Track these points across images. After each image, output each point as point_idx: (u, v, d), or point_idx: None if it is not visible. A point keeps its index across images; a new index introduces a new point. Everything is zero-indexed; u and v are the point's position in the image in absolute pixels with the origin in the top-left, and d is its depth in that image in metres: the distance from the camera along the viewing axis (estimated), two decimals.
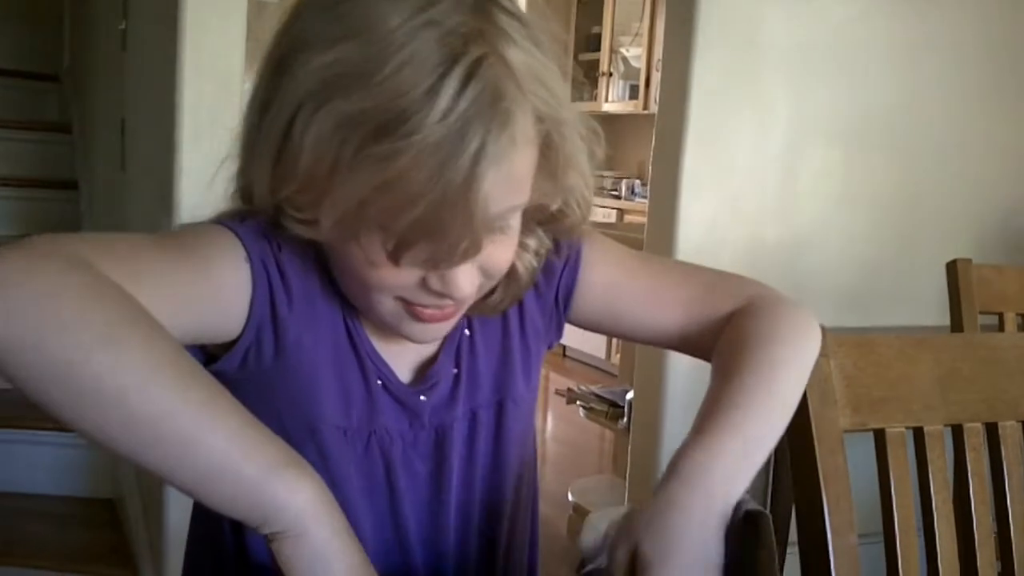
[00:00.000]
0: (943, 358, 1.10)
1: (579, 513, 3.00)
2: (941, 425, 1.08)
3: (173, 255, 0.67)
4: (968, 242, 2.66)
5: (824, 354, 1.01)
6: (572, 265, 0.83)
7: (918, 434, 1.07)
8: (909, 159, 2.64)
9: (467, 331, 0.81)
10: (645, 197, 4.80)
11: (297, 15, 0.69)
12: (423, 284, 0.69)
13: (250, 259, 0.70)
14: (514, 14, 0.67)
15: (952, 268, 1.83)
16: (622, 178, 5.87)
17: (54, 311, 0.55)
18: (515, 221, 0.71)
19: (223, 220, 0.72)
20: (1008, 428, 1.12)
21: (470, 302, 0.74)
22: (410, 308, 0.71)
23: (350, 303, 0.75)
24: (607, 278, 0.84)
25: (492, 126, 0.63)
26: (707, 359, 0.82)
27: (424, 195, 0.62)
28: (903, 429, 1.06)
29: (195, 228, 0.71)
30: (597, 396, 3.01)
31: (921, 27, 2.59)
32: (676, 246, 2.41)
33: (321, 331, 0.74)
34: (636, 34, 5.72)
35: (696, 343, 0.84)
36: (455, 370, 0.80)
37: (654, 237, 2.52)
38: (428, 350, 0.79)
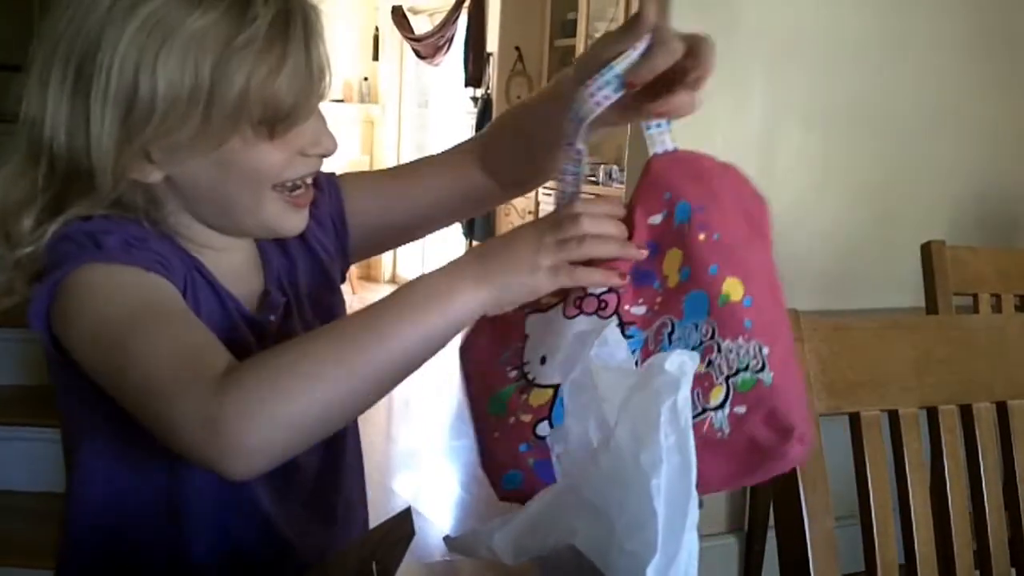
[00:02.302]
0: (917, 341, 1.11)
1: None
2: (916, 408, 1.09)
3: (156, 326, 0.75)
4: (945, 224, 2.67)
5: (798, 338, 1.01)
6: (331, 187, 0.99)
7: (893, 417, 1.08)
8: (886, 141, 2.65)
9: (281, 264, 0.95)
10: (623, 183, 4.80)
11: (85, 9, 0.81)
12: (302, 153, 0.85)
13: (143, 267, 0.79)
14: None
15: (926, 250, 1.84)
16: (600, 163, 5.86)
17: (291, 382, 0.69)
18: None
19: (90, 259, 0.78)
20: (982, 410, 1.13)
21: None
22: (289, 198, 0.86)
23: (193, 262, 0.87)
24: (367, 178, 1.04)
25: (301, 14, 0.82)
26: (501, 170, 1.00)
27: (279, 69, 0.80)
28: (878, 412, 1.06)
29: (105, 311, 0.77)
30: None
31: (899, 10, 2.59)
32: None
33: (182, 284, 0.83)
34: (611, 19, 5.71)
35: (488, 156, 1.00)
36: (284, 298, 0.93)
37: None
38: (257, 286, 0.93)
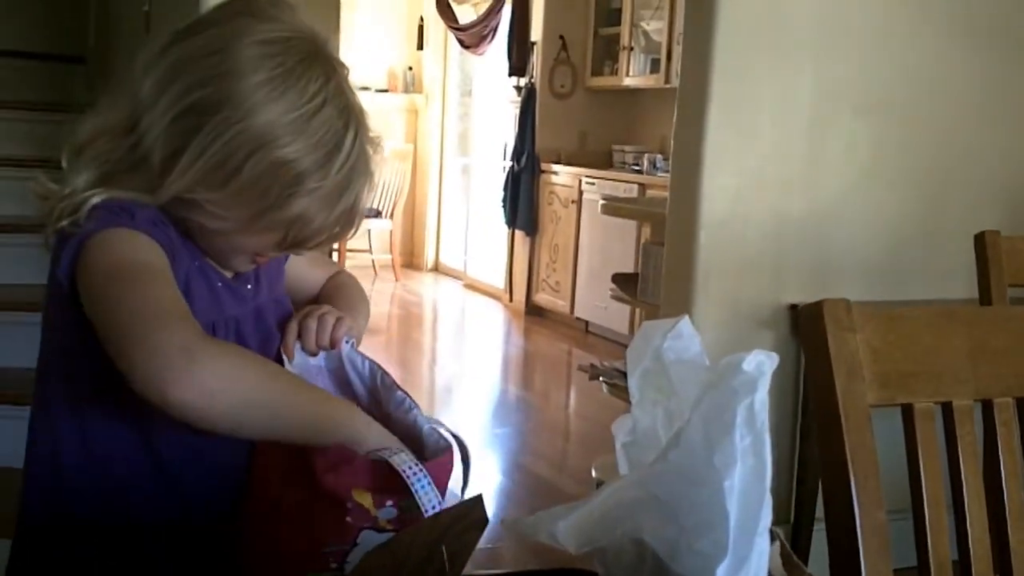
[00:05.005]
0: (973, 331, 1.08)
1: None
2: (971, 400, 1.06)
3: (162, 284, 0.91)
4: (997, 213, 2.61)
5: (850, 328, 0.99)
6: None
7: (947, 409, 1.05)
8: (937, 129, 2.59)
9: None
10: (667, 172, 4.76)
11: (226, 69, 0.94)
12: (277, 246, 1.01)
13: (159, 243, 0.95)
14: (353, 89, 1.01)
15: (980, 240, 1.79)
16: (643, 152, 5.82)
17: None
18: None
19: (121, 224, 0.93)
20: None
21: None
22: (253, 258, 1.04)
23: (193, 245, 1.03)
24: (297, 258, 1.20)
25: (365, 176, 0.99)
26: None
27: (327, 216, 0.98)
28: (931, 404, 1.04)
29: (125, 252, 0.92)
30: (620, 372, 2.99)
31: None
32: (699, 220, 2.39)
33: (184, 266, 0.99)
34: (657, 7, 5.66)
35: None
36: (254, 274, 1.09)
37: (676, 211, 2.49)
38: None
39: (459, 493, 0.94)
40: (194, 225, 1.00)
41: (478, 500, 0.66)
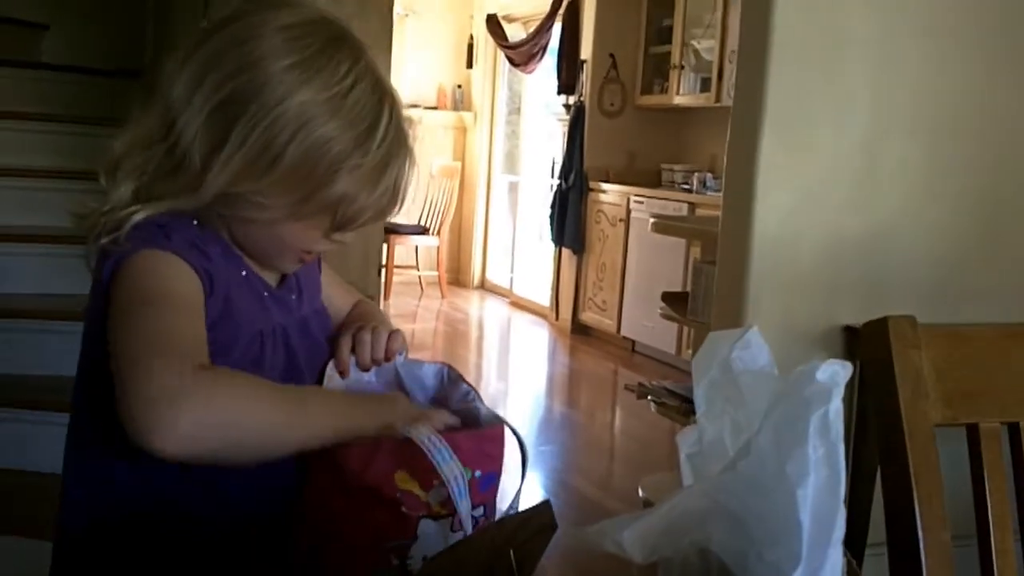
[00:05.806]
0: None
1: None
2: None
3: (173, 314, 0.89)
4: None
5: (915, 346, 0.97)
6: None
7: (1013, 430, 1.03)
8: (996, 149, 2.55)
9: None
10: (717, 190, 4.73)
11: (256, 57, 0.94)
12: (325, 237, 1.01)
13: (193, 267, 0.94)
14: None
15: None
16: (693, 171, 5.79)
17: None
18: None
19: (156, 245, 0.93)
20: None
21: None
22: (300, 256, 1.04)
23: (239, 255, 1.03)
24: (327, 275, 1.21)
25: (405, 150, 0.99)
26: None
27: (371, 193, 0.97)
28: (998, 424, 1.01)
29: (153, 278, 0.92)
30: (669, 391, 2.96)
31: (1008, 13, 2.50)
32: (752, 239, 2.36)
33: (231, 277, 1.00)
34: (708, 26, 5.64)
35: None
36: (297, 285, 1.10)
37: (729, 230, 2.47)
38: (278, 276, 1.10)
39: (514, 503, 0.93)
40: (239, 224, 1.00)
41: (545, 505, 0.65)
